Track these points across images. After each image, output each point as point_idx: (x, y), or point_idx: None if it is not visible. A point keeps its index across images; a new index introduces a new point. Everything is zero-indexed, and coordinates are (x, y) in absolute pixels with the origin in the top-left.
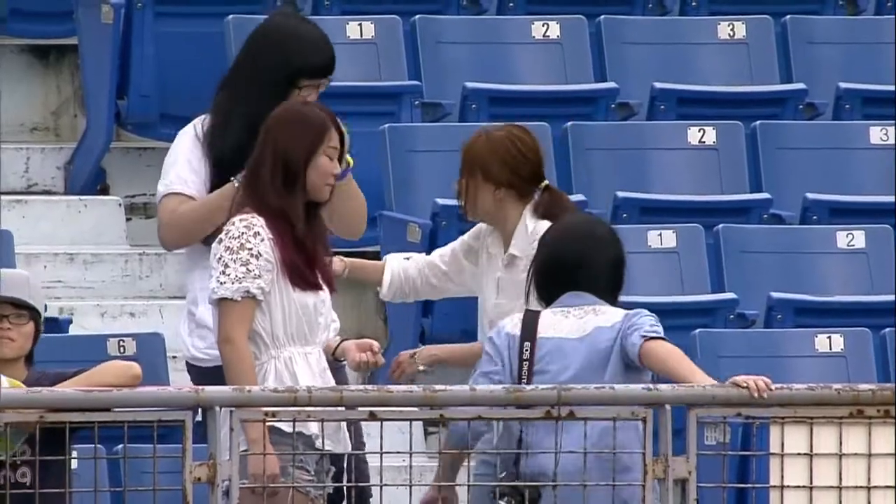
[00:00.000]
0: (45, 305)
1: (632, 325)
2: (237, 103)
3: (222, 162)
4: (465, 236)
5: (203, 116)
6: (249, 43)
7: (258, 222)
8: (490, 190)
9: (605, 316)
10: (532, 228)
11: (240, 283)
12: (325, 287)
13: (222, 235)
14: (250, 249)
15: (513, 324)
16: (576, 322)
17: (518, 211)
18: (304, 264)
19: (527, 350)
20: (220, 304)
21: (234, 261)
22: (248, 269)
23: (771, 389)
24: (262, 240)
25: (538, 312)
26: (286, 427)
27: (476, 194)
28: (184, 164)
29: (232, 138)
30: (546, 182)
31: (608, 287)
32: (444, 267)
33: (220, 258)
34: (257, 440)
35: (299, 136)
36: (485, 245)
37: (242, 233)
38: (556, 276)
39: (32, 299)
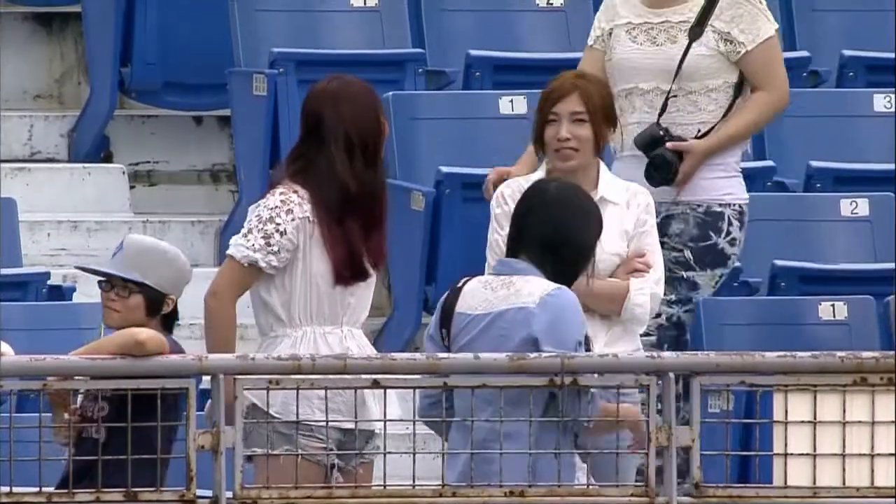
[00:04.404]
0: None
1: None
2: None
3: None
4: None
5: None
6: None
7: (296, 199)
8: (606, 135)
9: (518, 291)
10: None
11: (253, 251)
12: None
13: (261, 200)
14: (277, 225)
15: (444, 296)
16: (490, 295)
17: (596, 158)
18: (348, 257)
19: (444, 334)
20: (228, 258)
21: (259, 230)
22: (267, 242)
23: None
24: (293, 218)
25: (466, 283)
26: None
27: (600, 140)
28: None
29: None
30: None
31: (543, 256)
32: None
33: (249, 220)
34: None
35: (365, 111)
36: None
37: (277, 206)
38: (511, 236)
39: (143, 275)
